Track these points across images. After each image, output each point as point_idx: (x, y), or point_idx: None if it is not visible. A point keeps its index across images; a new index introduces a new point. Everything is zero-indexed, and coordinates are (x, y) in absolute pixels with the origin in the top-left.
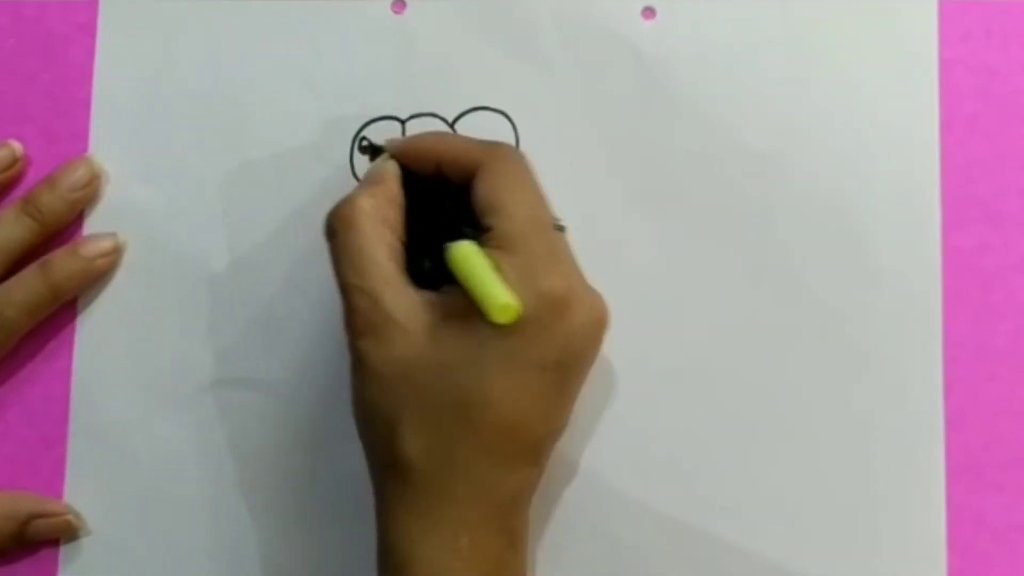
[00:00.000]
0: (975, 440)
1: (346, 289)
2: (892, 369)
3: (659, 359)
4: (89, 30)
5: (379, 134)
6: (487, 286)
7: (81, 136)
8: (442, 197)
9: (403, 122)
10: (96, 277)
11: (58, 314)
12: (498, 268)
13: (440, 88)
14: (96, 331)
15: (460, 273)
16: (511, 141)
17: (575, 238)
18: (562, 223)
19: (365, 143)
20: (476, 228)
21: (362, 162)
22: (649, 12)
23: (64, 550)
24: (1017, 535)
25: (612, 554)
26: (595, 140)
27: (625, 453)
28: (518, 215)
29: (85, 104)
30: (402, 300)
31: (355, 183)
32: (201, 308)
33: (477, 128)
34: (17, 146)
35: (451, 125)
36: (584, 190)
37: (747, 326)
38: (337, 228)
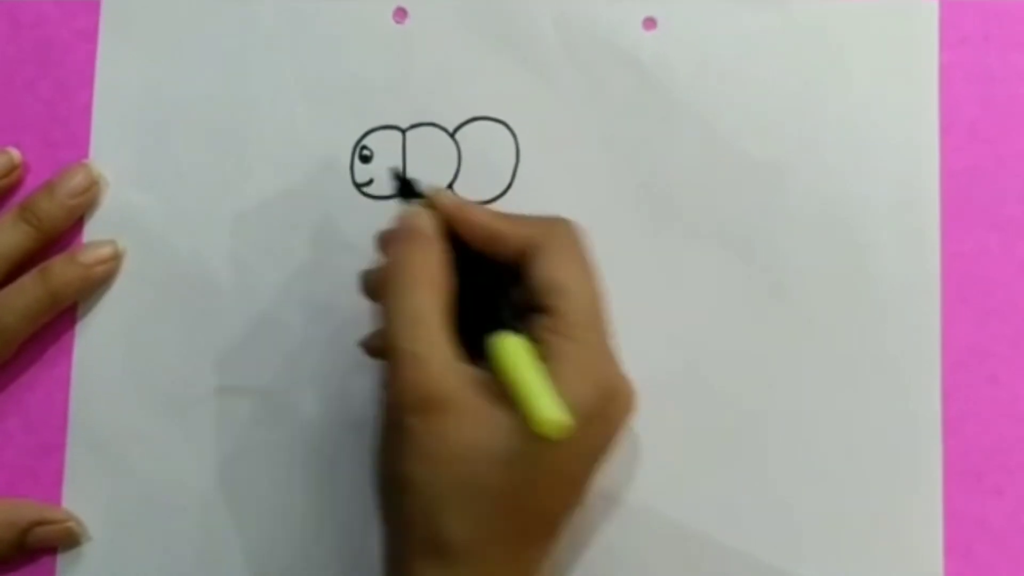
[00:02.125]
0: (974, 444)
1: (397, 353)
2: (891, 373)
3: (658, 365)
4: (89, 36)
5: (379, 143)
6: (535, 397)
7: (80, 143)
8: (484, 267)
9: (404, 131)
10: (95, 284)
11: (57, 321)
12: (557, 359)
13: (441, 98)
14: (95, 338)
15: (505, 373)
16: (511, 151)
17: None
18: None
19: (395, 172)
20: (519, 307)
21: (361, 172)
22: (650, 22)
23: (62, 557)
24: (1016, 539)
25: (608, 561)
26: (596, 150)
27: (623, 459)
28: (582, 300)
29: (84, 110)
30: (456, 377)
31: (354, 192)
32: (200, 315)
33: (477, 138)
34: (15, 153)
35: (452, 135)
36: (584, 200)
37: (746, 331)
38: (398, 287)
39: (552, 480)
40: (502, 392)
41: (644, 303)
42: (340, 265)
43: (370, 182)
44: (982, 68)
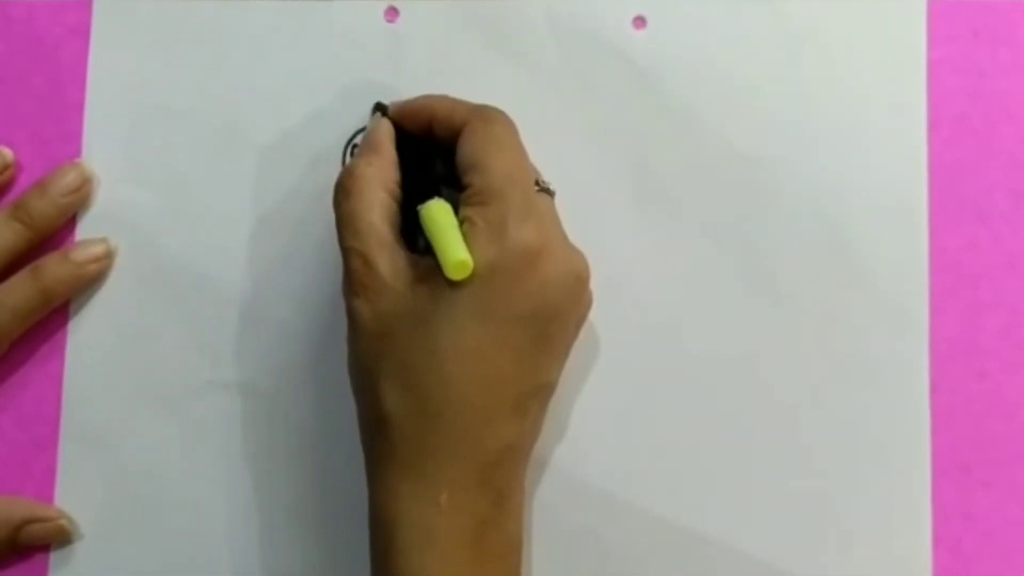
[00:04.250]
0: (963, 438)
1: (345, 252)
2: (879, 367)
3: (648, 361)
4: (81, 33)
5: None
6: (444, 243)
7: (73, 140)
8: (434, 157)
9: None
10: (87, 282)
11: (50, 318)
12: (470, 223)
13: None
14: (88, 335)
15: (426, 232)
16: None
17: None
18: (550, 187)
19: (377, 104)
20: (462, 187)
21: None
22: (640, 21)
23: (54, 554)
24: (1004, 532)
25: (597, 555)
26: (587, 148)
27: (614, 454)
28: (495, 171)
29: (77, 108)
30: (392, 260)
31: None
32: (193, 312)
33: None
34: (7, 152)
35: None
36: (576, 198)
37: (736, 326)
38: (339, 197)
39: (472, 343)
40: (430, 268)
41: (634, 298)
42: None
43: None
44: (970, 63)
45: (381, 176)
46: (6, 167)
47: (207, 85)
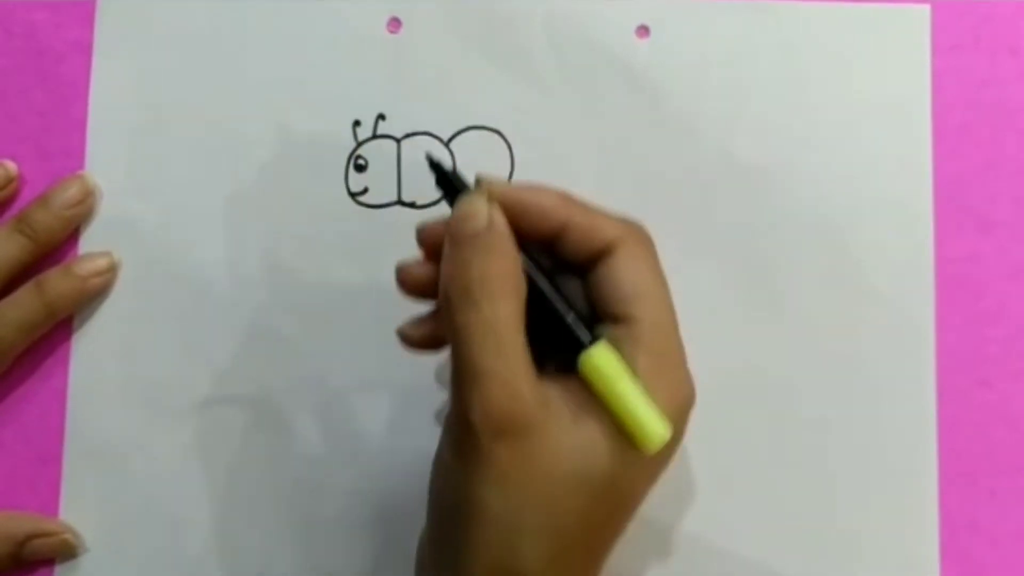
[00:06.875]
0: (968, 447)
1: (478, 372)
2: (886, 377)
3: None
4: (82, 47)
5: (374, 153)
6: (635, 412)
7: (75, 154)
8: (553, 268)
9: (398, 141)
10: (91, 296)
11: (53, 332)
12: (649, 374)
13: (435, 107)
14: (92, 348)
15: (599, 389)
16: (506, 160)
17: None
18: None
19: (434, 160)
20: (588, 311)
21: (357, 181)
22: (643, 31)
23: (59, 569)
24: (1010, 541)
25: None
26: (590, 158)
27: None
28: (661, 307)
29: (79, 122)
30: (537, 397)
31: (349, 201)
32: (196, 324)
33: (472, 147)
34: (11, 165)
35: (447, 144)
36: None
37: (741, 337)
38: (479, 297)
39: (624, 499)
40: (578, 409)
41: None
42: (336, 274)
43: (365, 191)
44: (973, 73)
45: (520, 283)
46: (9, 181)
47: (209, 99)
